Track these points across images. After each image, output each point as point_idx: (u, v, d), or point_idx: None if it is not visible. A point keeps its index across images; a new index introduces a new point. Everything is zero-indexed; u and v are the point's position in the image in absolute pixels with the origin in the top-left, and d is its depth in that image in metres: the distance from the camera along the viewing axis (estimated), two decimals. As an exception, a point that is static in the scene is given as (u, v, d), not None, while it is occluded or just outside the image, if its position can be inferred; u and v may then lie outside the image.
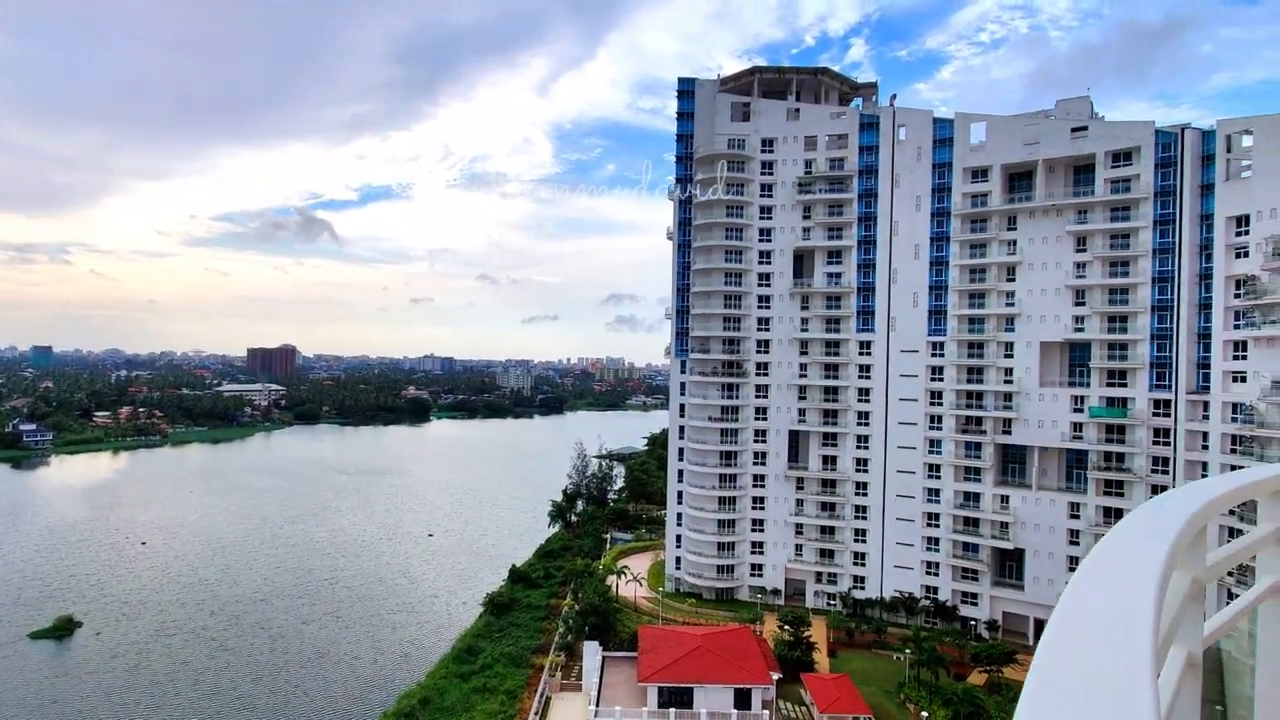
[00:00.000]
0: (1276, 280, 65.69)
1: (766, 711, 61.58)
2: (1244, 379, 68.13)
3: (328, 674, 77.79)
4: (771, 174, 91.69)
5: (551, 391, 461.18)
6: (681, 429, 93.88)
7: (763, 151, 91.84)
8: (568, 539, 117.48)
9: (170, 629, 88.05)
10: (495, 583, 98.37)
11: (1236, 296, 69.14)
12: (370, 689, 74.74)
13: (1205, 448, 70.96)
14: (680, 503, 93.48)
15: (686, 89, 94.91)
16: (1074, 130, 78.60)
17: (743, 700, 61.76)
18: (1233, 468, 68.16)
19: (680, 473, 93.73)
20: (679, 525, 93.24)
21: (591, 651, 67.79)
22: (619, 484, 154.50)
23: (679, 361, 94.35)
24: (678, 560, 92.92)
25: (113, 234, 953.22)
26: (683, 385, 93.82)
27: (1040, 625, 78.21)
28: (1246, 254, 68.56)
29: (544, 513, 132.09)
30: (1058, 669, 1.40)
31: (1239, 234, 69.42)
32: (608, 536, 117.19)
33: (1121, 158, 76.24)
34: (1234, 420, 68.47)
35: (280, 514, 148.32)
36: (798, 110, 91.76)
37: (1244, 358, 68.38)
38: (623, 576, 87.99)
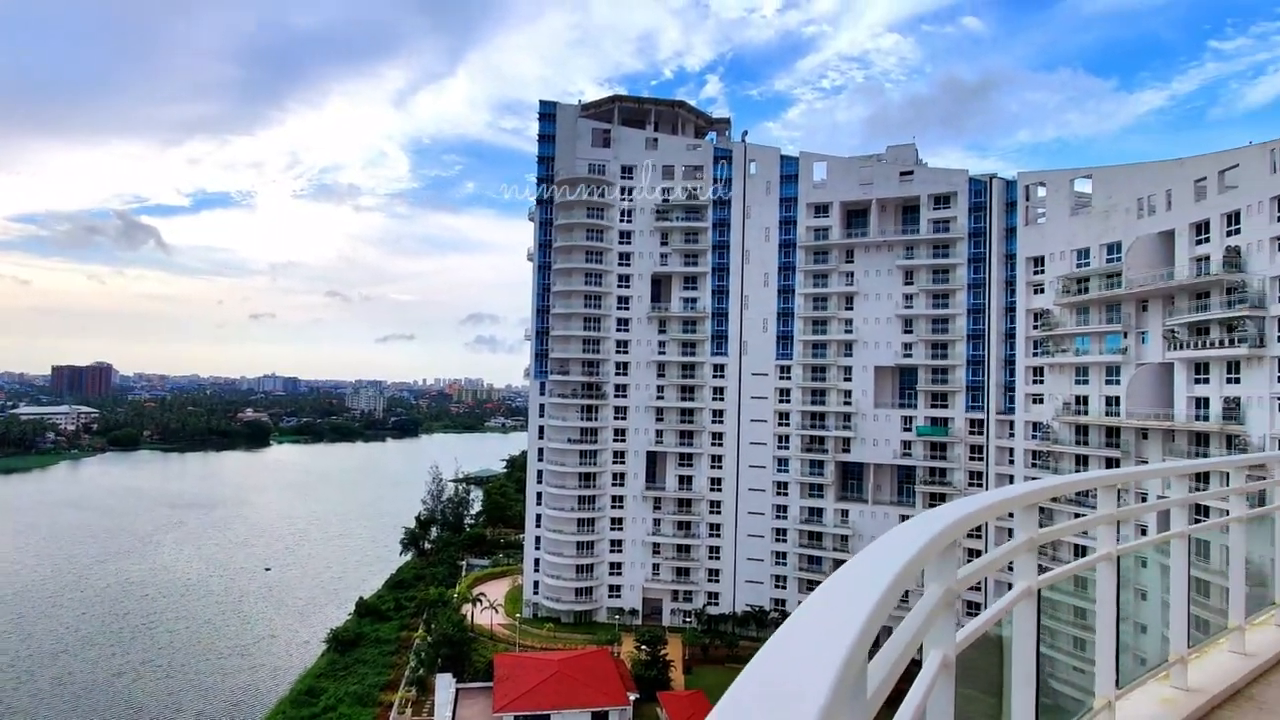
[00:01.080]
0: (1066, 314, 75.00)
1: (623, 733, 61.95)
2: (1041, 401, 77.01)
3: (143, 730, 70.07)
4: (631, 200, 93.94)
5: (406, 413, 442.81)
6: (540, 451, 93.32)
7: (622, 178, 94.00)
8: (421, 568, 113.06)
9: (-58, 693, 76.08)
10: (341, 617, 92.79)
11: (1035, 327, 78.20)
12: (194, 743, 68.03)
13: (1012, 463, 79.36)
14: (539, 526, 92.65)
15: (548, 112, 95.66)
16: (902, 174, 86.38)
17: (600, 723, 61.80)
18: (1030, 479, 76.78)
19: (539, 495, 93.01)
20: (537, 549, 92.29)
21: (444, 684, 65.47)
22: (476, 508, 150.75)
23: (538, 383, 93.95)
24: (535, 584, 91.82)
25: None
26: (542, 407, 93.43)
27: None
28: (1043, 290, 77.81)
29: (396, 541, 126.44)
30: (758, 671, 1.49)
31: (1036, 272, 78.71)
32: (463, 563, 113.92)
33: (941, 200, 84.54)
34: (1034, 438, 77.13)
35: (87, 553, 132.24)
36: (656, 140, 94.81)
37: (1041, 382, 77.33)
38: (479, 604, 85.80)
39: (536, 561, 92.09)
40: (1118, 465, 69.72)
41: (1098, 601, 4.55)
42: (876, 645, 2.24)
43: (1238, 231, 60.50)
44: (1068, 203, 77.14)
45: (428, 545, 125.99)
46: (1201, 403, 63.35)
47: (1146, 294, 67.66)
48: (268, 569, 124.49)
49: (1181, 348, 64.41)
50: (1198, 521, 6.20)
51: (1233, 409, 60.29)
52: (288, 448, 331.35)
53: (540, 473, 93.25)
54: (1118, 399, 69.61)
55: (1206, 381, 62.98)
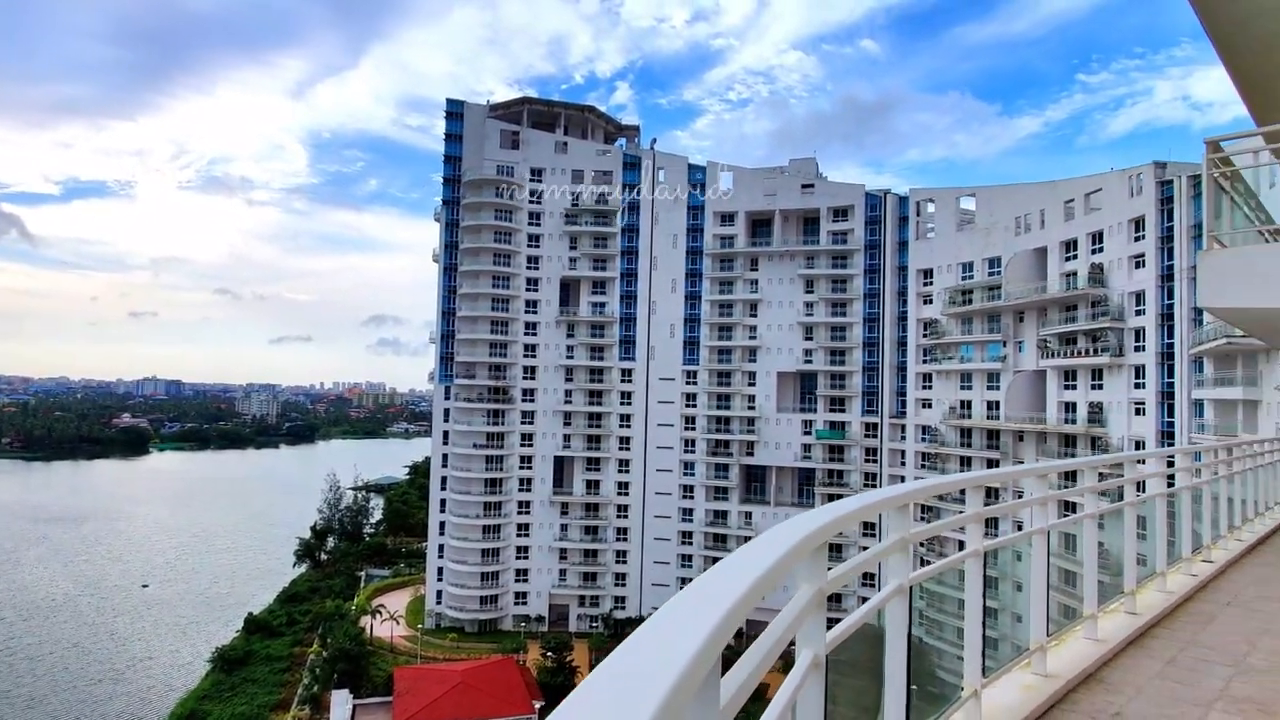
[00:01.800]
0: (952, 324, 79.67)
1: (528, 741, 61.26)
2: (930, 405, 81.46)
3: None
4: (540, 203, 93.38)
5: (302, 418, 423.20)
6: (445, 457, 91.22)
7: (531, 180, 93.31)
8: (316, 580, 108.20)
9: None
10: (228, 635, 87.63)
11: (924, 336, 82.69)
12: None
13: (904, 464, 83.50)
14: (442, 533, 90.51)
15: (456, 111, 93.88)
16: (803, 186, 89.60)
17: (504, 733, 60.88)
18: (919, 479, 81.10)
19: (443, 502, 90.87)
20: (441, 557, 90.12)
21: (341, 701, 62.93)
22: (377, 516, 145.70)
23: (443, 387, 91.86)
24: (439, 594, 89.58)
25: None
26: (447, 411, 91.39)
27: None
28: (931, 301, 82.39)
29: (289, 552, 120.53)
30: (606, 671, 1.48)
31: (926, 284, 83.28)
32: (363, 574, 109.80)
33: (840, 213, 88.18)
34: (923, 440, 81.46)
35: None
36: (566, 144, 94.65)
37: (930, 387, 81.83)
38: (378, 616, 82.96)
39: (440, 570, 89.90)
40: (997, 465, 74.59)
41: (966, 596, 4.90)
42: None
43: (1101, 250, 65.97)
44: (954, 219, 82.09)
45: (324, 556, 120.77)
46: (1070, 407, 68.62)
47: (1023, 306, 72.77)
48: (145, 586, 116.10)
49: (1053, 356, 69.61)
50: (1068, 516, 6.79)
51: (1096, 413, 65.61)
52: (169, 456, 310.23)
53: (444, 479, 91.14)
54: (998, 403, 74.51)
55: (1074, 387, 68.30)
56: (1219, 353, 51.51)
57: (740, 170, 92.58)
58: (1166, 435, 59.13)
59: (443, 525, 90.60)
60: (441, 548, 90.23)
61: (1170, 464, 9.18)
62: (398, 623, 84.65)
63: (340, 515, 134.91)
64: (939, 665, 4.90)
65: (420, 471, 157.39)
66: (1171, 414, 58.89)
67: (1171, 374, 59.35)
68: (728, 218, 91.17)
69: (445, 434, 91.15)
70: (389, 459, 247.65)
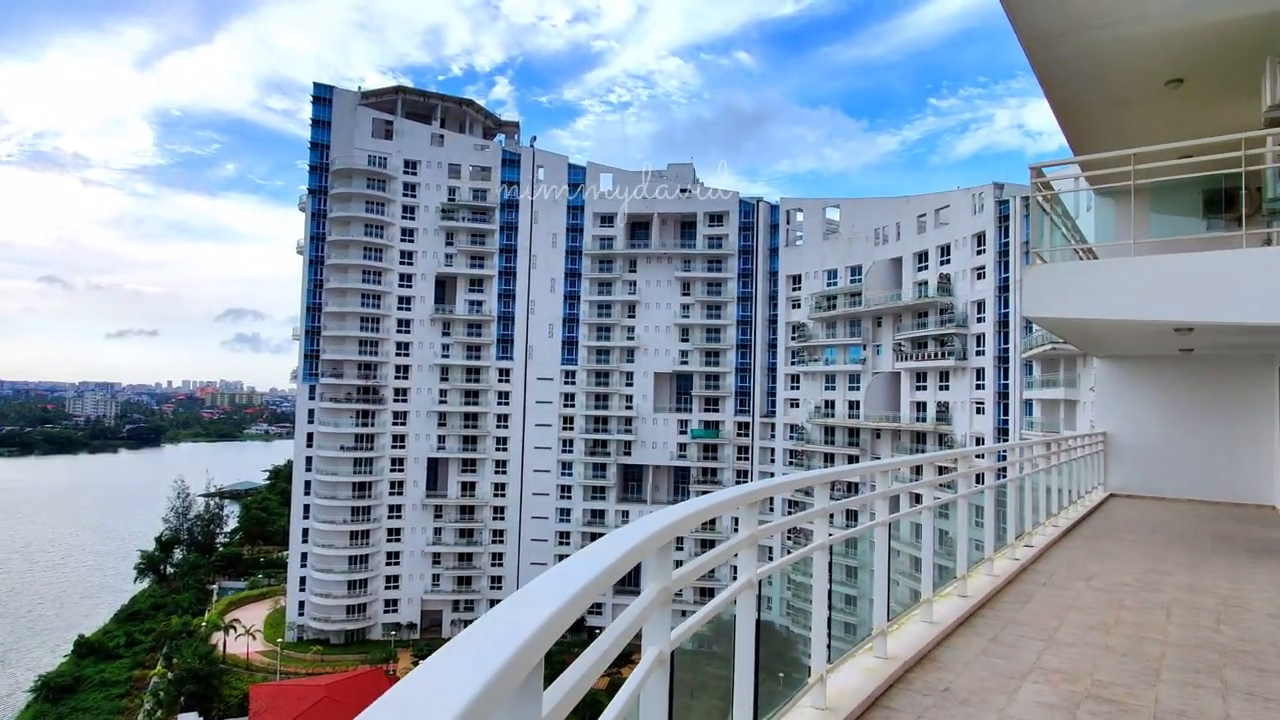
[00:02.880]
0: (818, 328, 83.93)
1: (397, 754, 59.10)
2: (798, 405, 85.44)
3: None
4: (414, 197, 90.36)
5: (146, 420, 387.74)
6: (309, 460, 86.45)
7: (406, 173, 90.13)
8: (161, 596, 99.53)
9: None
10: (54, 661, 79.12)
11: (793, 339, 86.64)
12: None
13: (773, 461, 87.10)
14: (306, 541, 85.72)
15: (324, 96, 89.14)
16: (681, 190, 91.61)
17: (372, 747, 58.45)
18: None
19: (306, 508, 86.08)
20: (304, 566, 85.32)
21: (188, 725, 58.44)
22: (232, 525, 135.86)
23: (308, 386, 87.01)
24: (301, 605, 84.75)
25: None
26: (311, 412, 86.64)
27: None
28: (800, 305, 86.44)
29: (130, 567, 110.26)
30: (424, 671, 1.42)
31: (795, 289, 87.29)
32: (215, 587, 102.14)
33: (715, 218, 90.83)
34: (791, 438, 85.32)
35: None
36: (443, 137, 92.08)
37: (798, 388, 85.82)
38: (233, 631, 77.55)
39: (303, 580, 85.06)
40: (857, 461, 79.35)
41: (814, 585, 5.23)
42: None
43: (949, 261, 71.57)
44: (820, 228, 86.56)
45: (170, 570, 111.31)
46: (921, 406, 74.00)
47: (881, 312, 77.77)
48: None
49: (906, 359, 74.83)
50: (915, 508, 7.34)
51: (944, 412, 71.12)
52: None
53: (308, 483, 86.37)
54: (858, 403, 79.21)
55: (925, 388, 73.71)
56: (1045, 357, 57.20)
57: (620, 172, 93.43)
58: (1002, 432, 64.96)
59: (306, 532, 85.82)
60: (305, 556, 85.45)
61: (1002, 458, 10.11)
62: (254, 638, 79.33)
63: (190, 525, 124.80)
64: (805, 653, 5.17)
65: (281, 476, 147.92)
66: (1006, 412, 64.76)
67: (1007, 376, 65.26)
68: (607, 219, 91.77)
69: (309, 436, 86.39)
70: (247, 463, 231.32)
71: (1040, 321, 9.84)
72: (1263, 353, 12.65)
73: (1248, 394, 13.42)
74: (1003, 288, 65.88)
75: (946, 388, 71.14)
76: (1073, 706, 5.25)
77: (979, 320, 68.23)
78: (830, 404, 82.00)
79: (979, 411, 67.47)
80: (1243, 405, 13.47)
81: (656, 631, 2.83)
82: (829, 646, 5.21)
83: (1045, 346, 54.41)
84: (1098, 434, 14.51)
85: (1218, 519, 13.13)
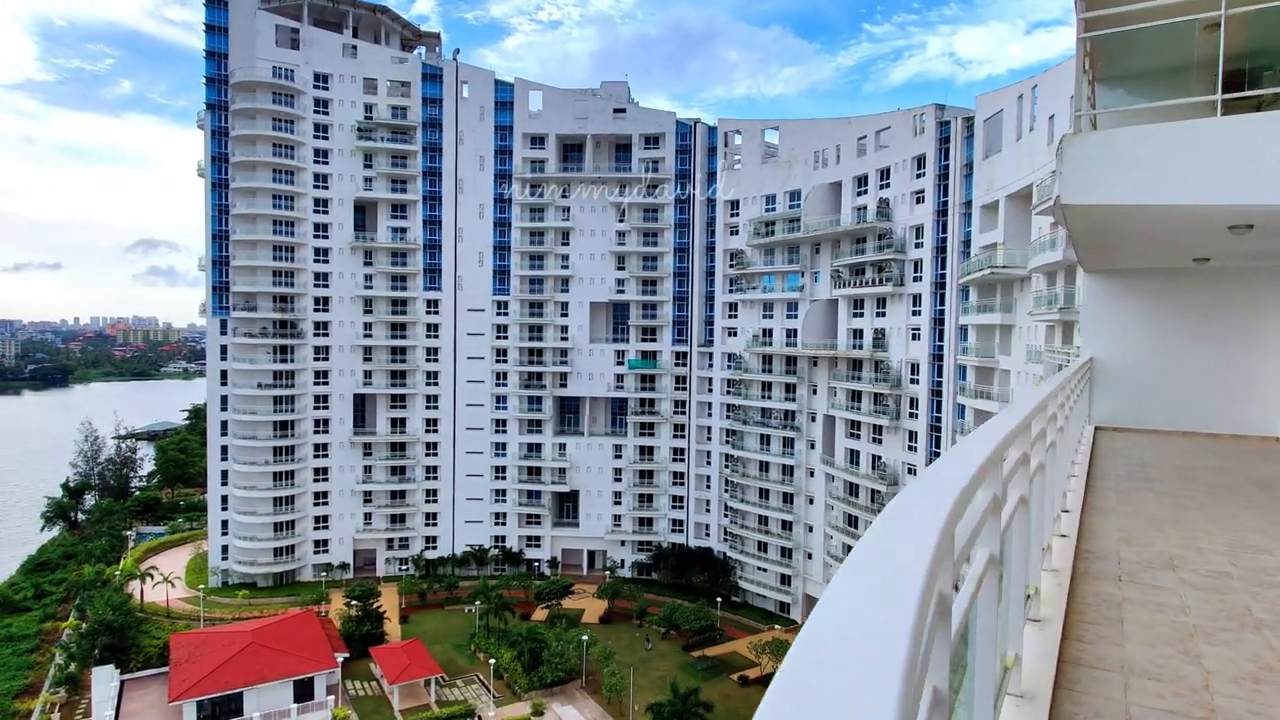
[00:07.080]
0: (756, 255, 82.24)
1: (332, 697, 57.81)
2: (736, 334, 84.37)
3: None
4: (327, 114, 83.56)
5: (51, 360, 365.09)
6: (225, 399, 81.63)
7: (316, 87, 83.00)
8: (72, 544, 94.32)
9: None
10: (-48, 617, 74.18)
11: (731, 266, 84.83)
12: None
13: (711, 391, 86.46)
14: (226, 483, 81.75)
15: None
16: (615, 111, 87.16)
17: (305, 691, 56.94)
18: (729, 408, 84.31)
19: (225, 449, 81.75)
20: (225, 509, 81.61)
21: (104, 679, 55.64)
22: (149, 468, 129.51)
23: (218, 320, 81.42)
24: (225, 549, 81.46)
25: None
26: (224, 349, 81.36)
27: (592, 556, 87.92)
28: (738, 232, 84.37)
29: (37, 515, 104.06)
30: (826, 617, 1.42)
31: (733, 215, 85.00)
32: (131, 533, 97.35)
33: (651, 141, 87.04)
34: (729, 367, 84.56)
35: None
36: (356, 48, 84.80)
37: (736, 317, 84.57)
38: (150, 579, 74.02)
39: (225, 523, 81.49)
40: (795, 390, 79.32)
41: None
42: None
43: (888, 185, 70.25)
44: (759, 152, 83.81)
45: (81, 517, 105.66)
46: (858, 334, 73.79)
47: (819, 238, 76.42)
48: None
49: (844, 286, 74.10)
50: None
51: (880, 338, 71.03)
52: None
53: (225, 423, 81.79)
54: (796, 331, 78.57)
55: (862, 315, 73.37)
56: (983, 282, 56.92)
57: (550, 90, 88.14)
58: (936, 358, 65.27)
59: (225, 474, 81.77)
60: (225, 499, 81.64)
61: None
62: (174, 585, 75.92)
63: (101, 469, 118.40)
64: None
65: (201, 416, 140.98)
66: (942, 339, 64.92)
67: (943, 302, 65.13)
68: (538, 140, 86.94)
69: (224, 374, 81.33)
70: (164, 403, 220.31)
71: (1082, 212, 7.19)
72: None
73: (1260, 312, 11.93)
74: (941, 211, 65.08)
75: (883, 314, 70.88)
76: None
77: (917, 246, 67.54)
78: (768, 333, 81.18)
79: (915, 338, 67.53)
80: (1252, 326, 11.98)
81: (989, 533, 2.92)
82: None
83: (984, 271, 54.00)
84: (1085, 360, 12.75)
85: (1237, 456, 11.36)
